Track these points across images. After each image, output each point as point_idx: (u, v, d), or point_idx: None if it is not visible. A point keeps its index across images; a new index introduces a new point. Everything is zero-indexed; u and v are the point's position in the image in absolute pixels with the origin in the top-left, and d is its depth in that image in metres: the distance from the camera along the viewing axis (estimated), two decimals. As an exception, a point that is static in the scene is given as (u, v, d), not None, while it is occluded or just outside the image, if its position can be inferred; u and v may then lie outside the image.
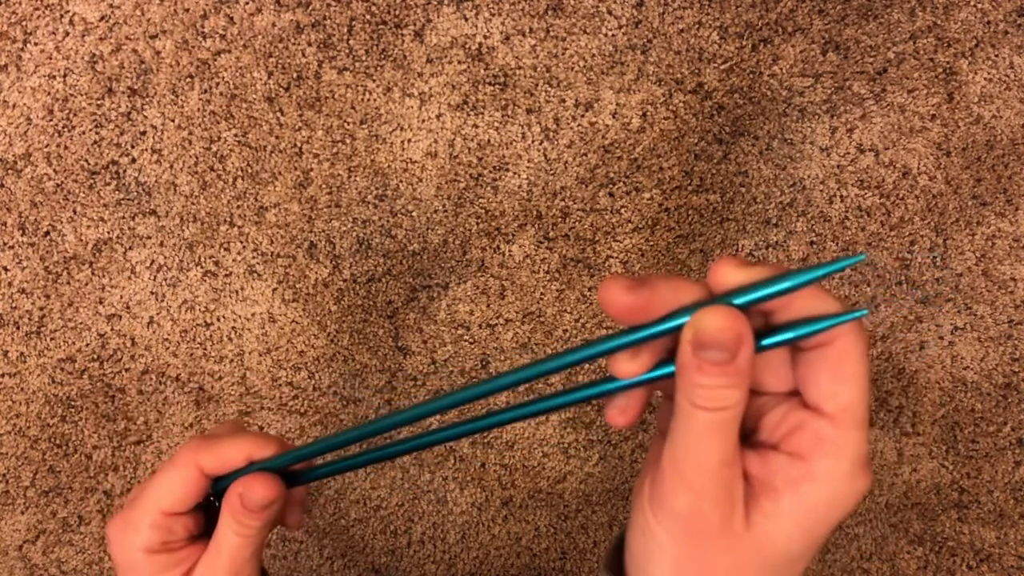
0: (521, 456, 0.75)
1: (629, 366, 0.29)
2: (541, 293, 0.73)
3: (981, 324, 0.73)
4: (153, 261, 0.74)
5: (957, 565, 0.75)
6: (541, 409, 0.33)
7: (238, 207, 0.74)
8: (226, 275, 0.74)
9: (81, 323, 0.74)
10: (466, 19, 0.72)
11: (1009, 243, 0.72)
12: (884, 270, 0.73)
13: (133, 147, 0.74)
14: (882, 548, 0.75)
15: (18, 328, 0.75)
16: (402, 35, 0.72)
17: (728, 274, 0.28)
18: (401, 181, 0.73)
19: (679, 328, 0.28)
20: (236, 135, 0.73)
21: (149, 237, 0.74)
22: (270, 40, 0.73)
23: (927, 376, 0.74)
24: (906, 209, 0.73)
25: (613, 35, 0.72)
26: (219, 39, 0.73)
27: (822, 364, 0.28)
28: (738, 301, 0.28)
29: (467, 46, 0.72)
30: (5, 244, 0.74)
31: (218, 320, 0.74)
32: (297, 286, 0.74)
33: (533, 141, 0.73)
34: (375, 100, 0.73)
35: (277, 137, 0.73)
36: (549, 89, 0.72)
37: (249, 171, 0.73)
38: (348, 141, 0.73)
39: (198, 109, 0.73)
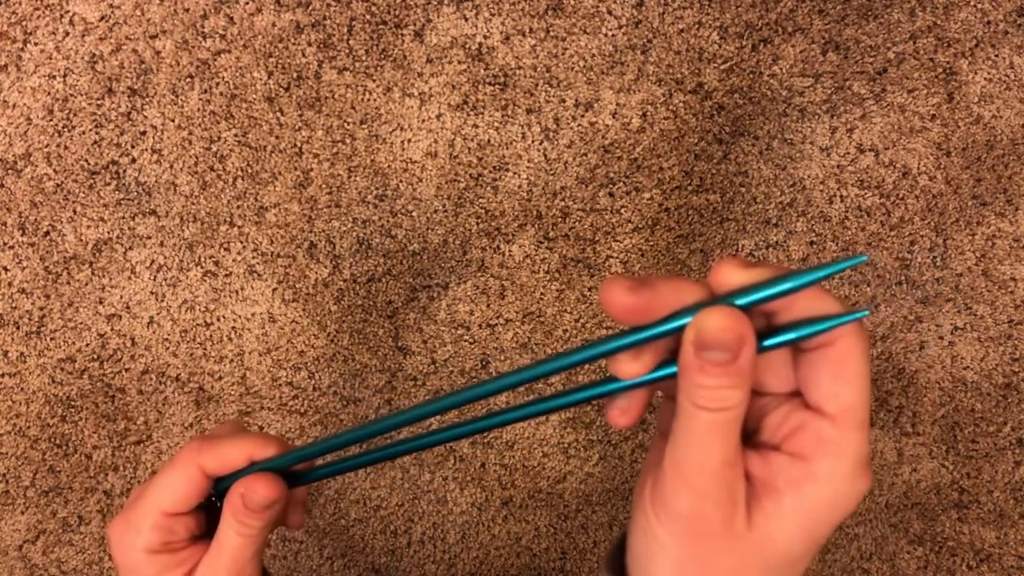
0: (521, 456, 0.75)
1: (631, 367, 0.29)
2: (541, 293, 0.73)
3: (981, 324, 0.73)
4: (153, 261, 0.74)
5: (957, 565, 0.75)
6: (542, 410, 0.33)
7: (238, 207, 0.74)
8: (226, 275, 0.74)
9: (81, 323, 0.74)
10: (466, 19, 0.72)
11: (1009, 243, 0.73)
12: (884, 270, 0.73)
13: (133, 147, 0.73)
14: (882, 548, 0.75)
15: (18, 328, 0.75)
16: (402, 35, 0.72)
17: (730, 275, 0.28)
18: (401, 181, 0.73)
19: (681, 329, 0.28)
20: (236, 135, 0.73)
21: (149, 237, 0.74)
22: (270, 40, 0.73)
23: (927, 376, 0.74)
24: (906, 209, 0.73)
25: (613, 35, 0.72)
26: (219, 39, 0.73)
27: (824, 365, 0.28)
28: (740, 302, 0.28)
29: (467, 46, 0.72)
30: (5, 244, 0.74)
31: (218, 320, 0.74)
32: (297, 286, 0.74)
33: (533, 141, 0.73)
34: (375, 100, 0.73)
35: (277, 137, 0.73)
36: (549, 89, 0.72)
37: (249, 171, 0.73)
38: (348, 141, 0.73)
39: (198, 109, 0.73)
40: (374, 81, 0.73)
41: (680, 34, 0.72)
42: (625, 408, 0.31)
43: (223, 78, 0.73)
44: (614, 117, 0.72)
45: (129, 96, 0.73)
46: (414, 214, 0.73)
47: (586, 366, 0.73)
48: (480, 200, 0.73)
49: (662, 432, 0.33)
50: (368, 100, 0.73)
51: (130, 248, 0.74)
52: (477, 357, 0.74)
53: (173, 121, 0.73)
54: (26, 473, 0.76)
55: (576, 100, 0.72)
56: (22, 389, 0.75)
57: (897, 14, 0.72)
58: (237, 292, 0.74)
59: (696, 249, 0.73)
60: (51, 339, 0.75)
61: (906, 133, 0.72)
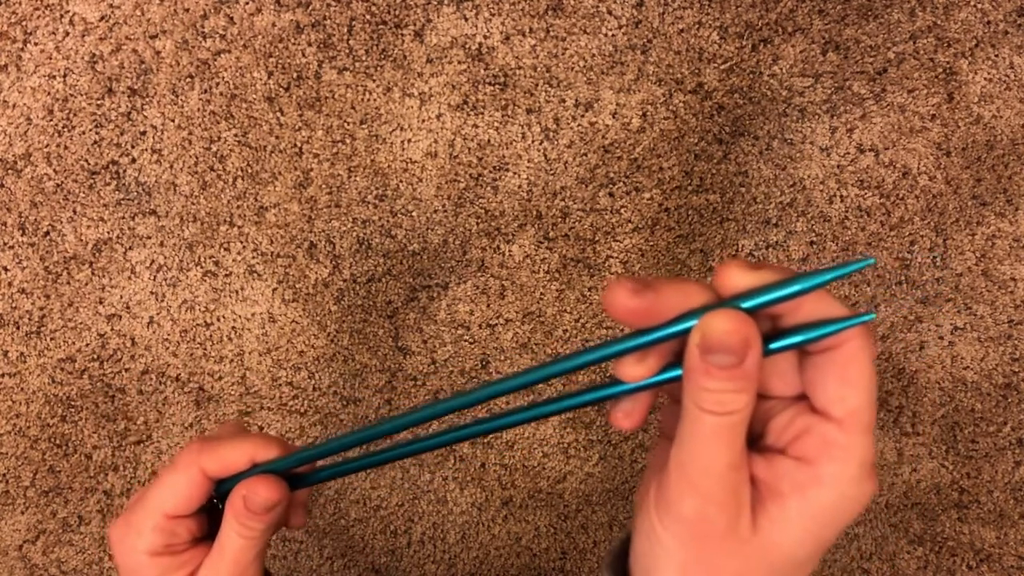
0: (521, 456, 0.75)
1: (636, 370, 0.29)
2: (541, 293, 0.73)
3: (981, 324, 0.73)
4: (153, 261, 0.74)
5: (957, 565, 0.75)
6: (545, 412, 0.32)
7: (238, 207, 0.73)
8: (226, 275, 0.74)
9: (81, 323, 0.74)
10: (466, 19, 0.72)
11: (1009, 243, 0.73)
12: (884, 270, 0.73)
13: (133, 147, 0.73)
14: (882, 548, 0.75)
15: (18, 328, 0.74)
16: (402, 35, 0.72)
17: (735, 277, 0.28)
18: (401, 181, 0.73)
19: (686, 332, 0.28)
20: (236, 135, 0.73)
21: (149, 237, 0.74)
22: (270, 40, 0.72)
23: (927, 376, 0.74)
24: (906, 209, 0.73)
25: (613, 35, 0.72)
26: (219, 39, 0.72)
27: (830, 368, 0.28)
28: (746, 305, 0.27)
29: (467, 46, 0.72)
30: (5, 244, 0.74)
31: (218, 320, 0.74)
32: (297, 286, 0.74)
33: (533, 141, 0.72)
34: (375, 100, 0.73)
35: (277, 137, 0.73)
36: (549, 89, 0.72)
37: (249, 171, 0.73)
38: (348, 141, 0.73)
39: (198, 109, 0.73)
40: (374, 81, 0.72)
41: (680, 34, 0.72)
42: (629, 411, 0.31)
43: (223, 78, 0.73)
44: (614, 117, 0.72)
45: (129, 96, 0.73)
46: (414, 214, 0.73)
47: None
48: (480, 200, 0.73)
49: (664, 434, 0.33)
50: (368, 100, 0.73)
51: (130, 248, 0.74)
52: (477, 357, 0.74)
53: (173, 121, 0.73)
54: (26, 473, 0.75)
55: (576, 100, 0.72)
56: (22, 389, 0.75)
57: (897, 14, 0.72)
58: (237, 292, 0.74)
59: (696, 249, 0.73)
60: (51, 339, 0.74)
61: (906, 133, 0.72)
